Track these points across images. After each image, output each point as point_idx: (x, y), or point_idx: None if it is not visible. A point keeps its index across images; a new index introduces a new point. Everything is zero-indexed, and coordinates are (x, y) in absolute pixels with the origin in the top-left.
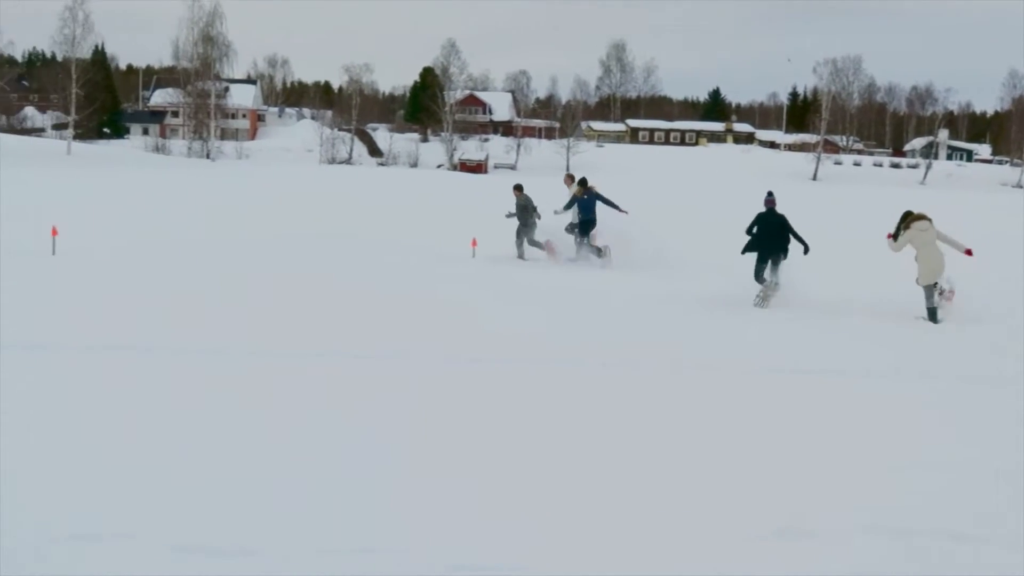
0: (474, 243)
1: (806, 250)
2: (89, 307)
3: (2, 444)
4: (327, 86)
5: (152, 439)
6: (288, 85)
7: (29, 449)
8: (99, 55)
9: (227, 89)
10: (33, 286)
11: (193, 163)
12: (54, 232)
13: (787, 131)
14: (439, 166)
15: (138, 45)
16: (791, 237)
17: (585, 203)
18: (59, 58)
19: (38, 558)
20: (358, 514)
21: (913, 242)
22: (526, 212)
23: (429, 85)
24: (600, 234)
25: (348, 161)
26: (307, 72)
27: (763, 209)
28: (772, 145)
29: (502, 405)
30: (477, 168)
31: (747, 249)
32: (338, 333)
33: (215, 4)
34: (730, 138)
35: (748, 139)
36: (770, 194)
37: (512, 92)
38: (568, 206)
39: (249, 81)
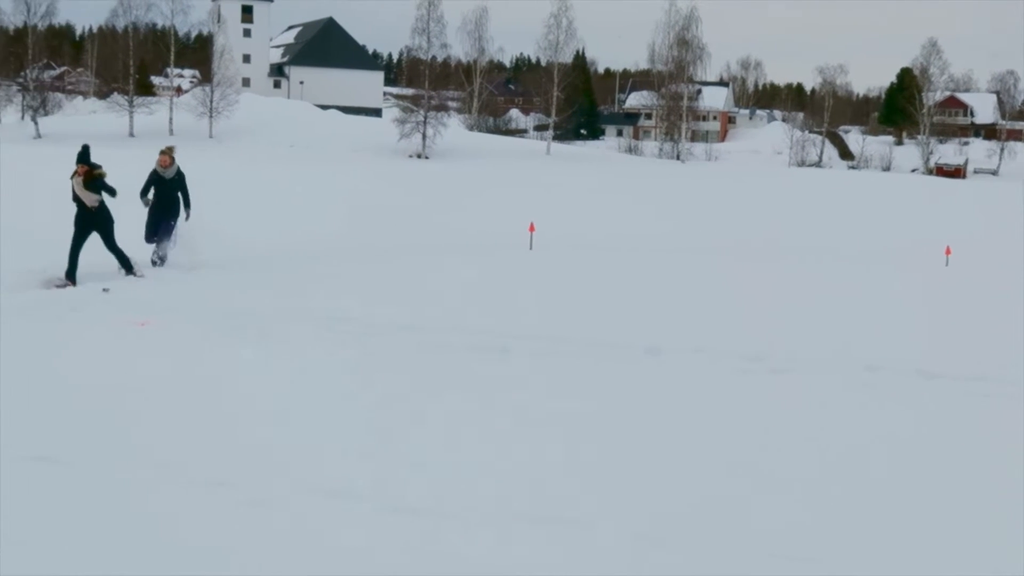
0: (947, 251)
1: None
2: (562, 303)
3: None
4: (799, 88)
5: (623, 437)
6: (760, 87)
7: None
8: (580, 59)
9: (699, 91)
10: (509, 280)
11: (663, 164)
12: (531, 228)
13: None
14: (913, 170)
15: (616, 49)
16: None
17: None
18: (543, 63)
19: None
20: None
21: None
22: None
23: (906, 86)
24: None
25: (818, 164)
26: (779, 74)
27: None
28: None
29: None
30: (955, 173)
31: None
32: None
33: (691, 8)
34: None
35: None
36: None
37: (997, 93)
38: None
39: (721, 83)
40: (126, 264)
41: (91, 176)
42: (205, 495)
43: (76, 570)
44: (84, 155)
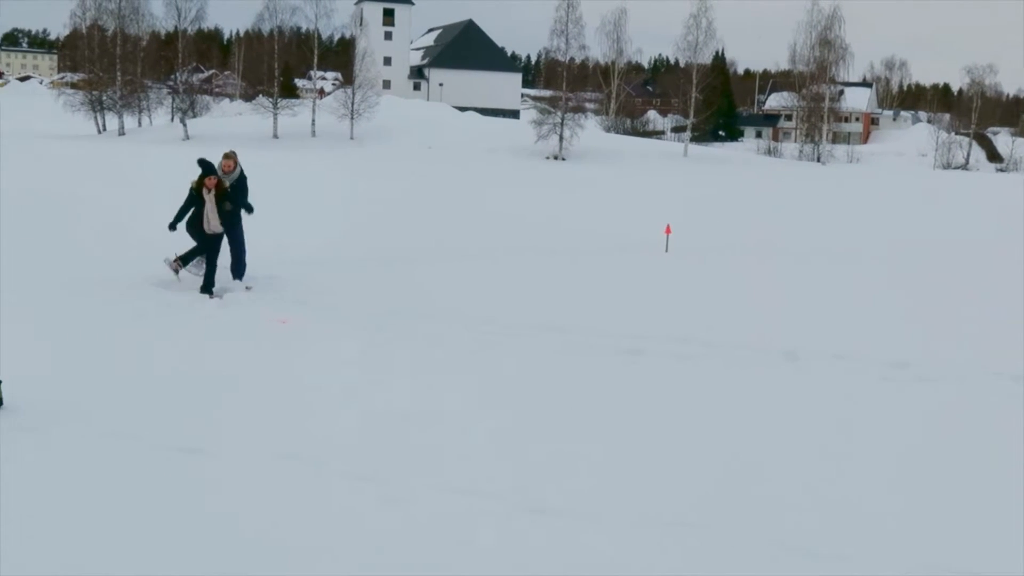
0: None
1: None
2: (698, 306)
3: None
4: (946, 88)
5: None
6: (904, 88)
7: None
8: (719, 60)
9: (841, 92)
10: (646, 282)
11: (803, 166)
12: (667, 230)
13: None
14: None
15: (756, 50)
16: None
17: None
18: (681, 64)
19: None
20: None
21: None
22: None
23: None
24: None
25: (964, 166)
26: (925, 74)
27: None
28: None
29: None
30: None
31: None
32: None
33: (834, 7)
34: None
35: None
36: None
37: None
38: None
39: (864, 84)
40: (208, 285)
41: (222, 191)
42: (344, 490)
43: (205, 562)
44: (210, 167)
